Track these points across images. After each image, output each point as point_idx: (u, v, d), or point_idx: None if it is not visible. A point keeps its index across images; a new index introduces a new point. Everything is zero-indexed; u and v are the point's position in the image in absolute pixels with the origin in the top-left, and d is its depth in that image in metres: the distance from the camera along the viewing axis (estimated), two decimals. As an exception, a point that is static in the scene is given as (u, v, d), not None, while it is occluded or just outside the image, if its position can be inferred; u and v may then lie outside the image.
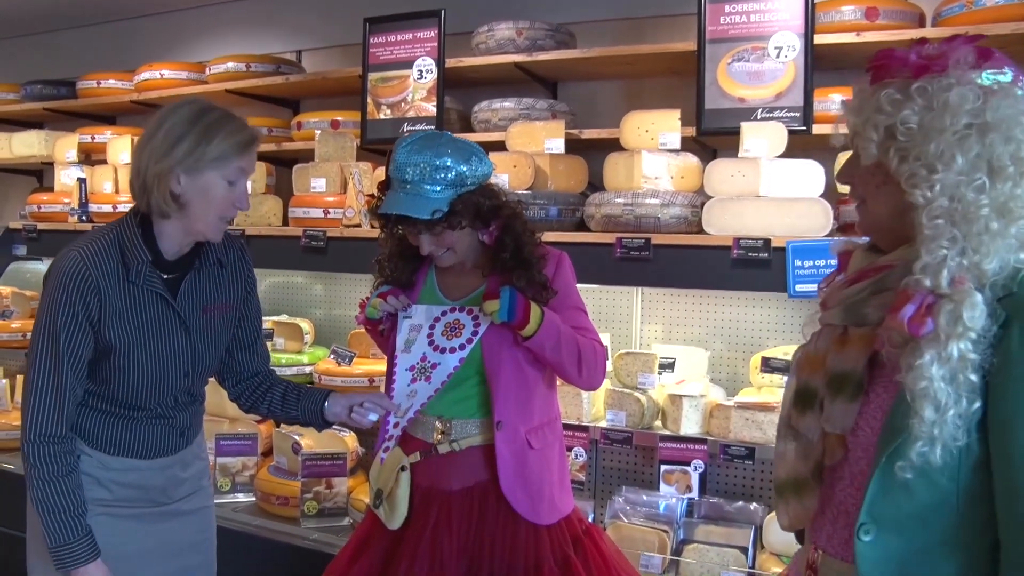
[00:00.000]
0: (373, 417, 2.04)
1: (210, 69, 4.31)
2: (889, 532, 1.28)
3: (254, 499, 3.42)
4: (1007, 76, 1.27)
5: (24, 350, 4.37)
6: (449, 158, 1.96)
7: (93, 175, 4.34)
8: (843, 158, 1.52)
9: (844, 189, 1.49)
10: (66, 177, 4.51)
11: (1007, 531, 1.22)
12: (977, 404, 1.20)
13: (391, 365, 2.10)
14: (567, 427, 2.94)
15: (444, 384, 2.00)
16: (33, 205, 4.58)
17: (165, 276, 1.94)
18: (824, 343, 1.41)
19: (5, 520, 3.76)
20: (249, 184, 3.74)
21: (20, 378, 4.27)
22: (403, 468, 2.08)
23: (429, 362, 2.02)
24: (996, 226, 1.20)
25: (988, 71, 1.26)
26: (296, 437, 3.39)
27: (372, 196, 3.42)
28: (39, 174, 5.39)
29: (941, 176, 1.22)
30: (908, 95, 1.26)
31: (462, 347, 1.99)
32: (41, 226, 4.34)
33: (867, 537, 1.28)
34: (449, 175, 1.96)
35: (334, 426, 3.55)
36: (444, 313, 2.06)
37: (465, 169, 1.97)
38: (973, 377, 1.19)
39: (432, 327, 2.05)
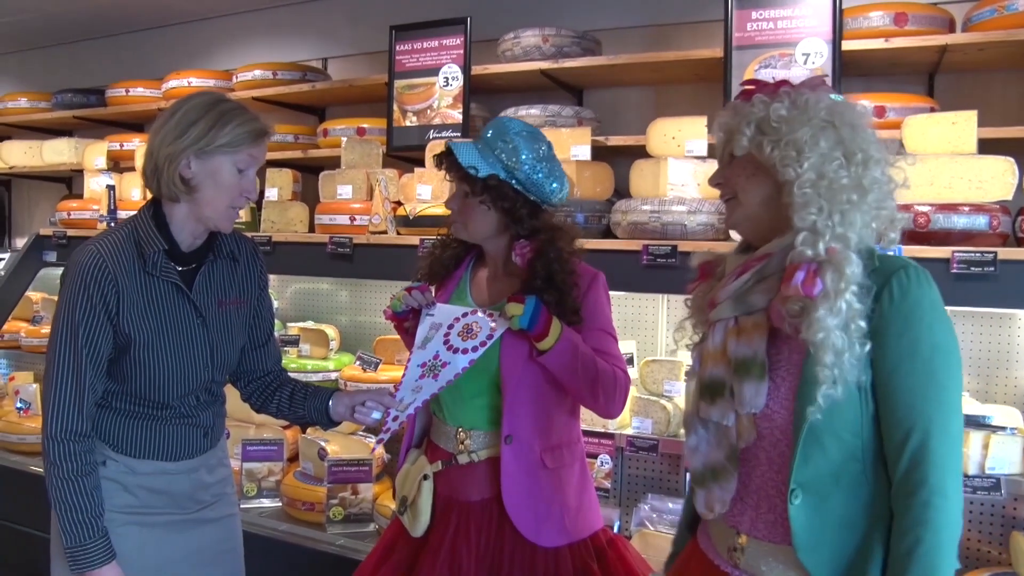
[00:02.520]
0: (376, 415, 2.03)
1: (237, 77, 4.35)
2: (812, 494, 1.43)
3: (280, 504, 3.43)
4: (842, 97, 1.55)
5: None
6: (527, 144, 1.98)
7: (122, 182, 4.39)
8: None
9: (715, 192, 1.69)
10: (95, 184, 4.57)
11: (894, 468, 1.39)
12: (868, 346, 1.38)
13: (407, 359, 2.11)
14: (593, 434, 2.94)
15: (449, 383, 1.96)
16: (63, 212, 4.64)
17: (180, 268, 1.96)
18: (720, 336, 1.55)
19: (38, 524, 3.80)
20: (275, 191, 3.84)
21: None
22: (425, 477, 2.08)
23: (440, 360, 1.99)
24: (855, 197, 1.42)
25: (831, 94, 1.53)
26: (322, 443, 3.40)
27: (398, 203, 3.47)
28: (69, 181, 5.47)
29: (808, 155, 1.44)
30: (776, 96, 1.51)
31: (475, 349, 1.96)
32: (71, 232, 4.39)
33: (797, 500, 1.43)
34: (509, 148, 1.96)
35: (360, 431, 3.60)
36: (465, 315, 2.03)
37: (527, 163, 1.96)
38: (862, 323, 1.38)
39: (451, 327, 2.03)
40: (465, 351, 1.97)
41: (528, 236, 2.03)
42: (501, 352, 1.99)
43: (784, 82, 1.54)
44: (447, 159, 2.04)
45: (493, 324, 1.97)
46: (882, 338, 1.39)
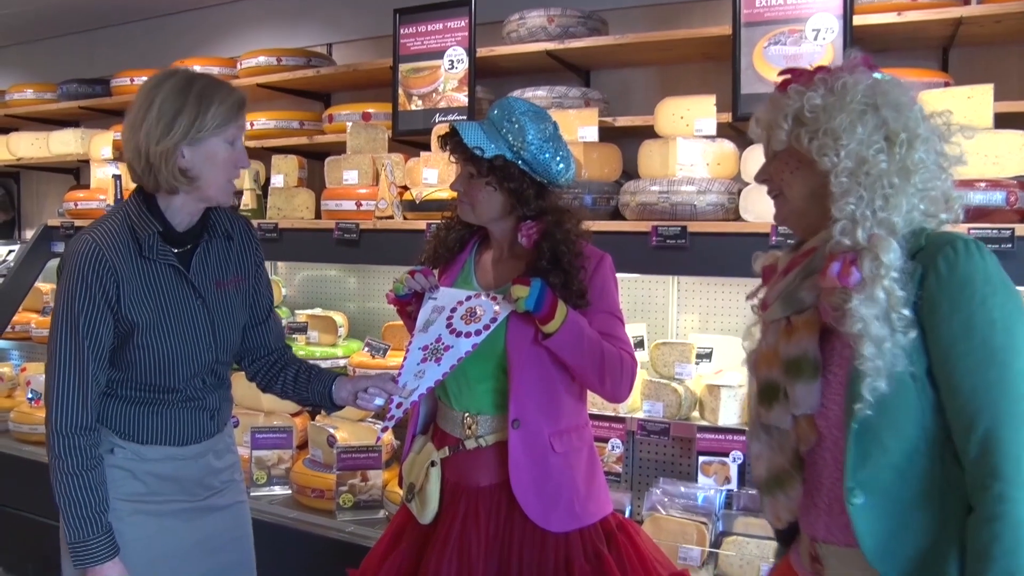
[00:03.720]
0: (379, 402, 2.01)
1: (241, 63, 4.32)
2: (875, 492, 1.36)
3: (290, 492, 3.43)
4: (889, 76, 1.48)
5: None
6: (533, 124, 1.95)
7: (127, 171, 4.38)
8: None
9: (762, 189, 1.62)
10: (102, 174, 4.56)
11: (966, 459, 1.30)
12: (913, 334, 1.32)
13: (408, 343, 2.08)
14: (603, 418, 2.91)
15: (453, 368, 1.94)
16: (70, 203, 4.64)
17: (176, 251, 1.94)
18: (773, 338, 1.51)
19: (50, 513, 3.81)
20: (281, 178, 3.82)
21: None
22: (433, 463, 2.06)
23: (443, 344, 1.97)
24: (897, 181, 1.36)
25: (874, 73, 1.47)
26: (331, 430, 3.39)
27: (404, 188, 3.44)
28: (76, 172, 5.47)
29: (845, 143, 1.38)
30: (811, 85, 1.46)
31: (477, 333, 1.93)
32: (78, 223, 4.38)
33: (858, 500, 1.36)
34: (515, 128, 1.94)
35: (369, 418, 3.59)
36: (468, 298, 2.01)
37: (534, 143, 1.94)
38: (906, 311, 1.32)
39: (454, 310, 2.00)
40: (468, 335, 1.94)
41: (534, 217, 2.00)
42: (507, 335, 1.97)
43: (821, 68, 1.48)
44: (452, 140, 2.01)
45: (497, 307, 1.95)
46: (933, 320, 1.32)
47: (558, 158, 1.99)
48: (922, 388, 1.33)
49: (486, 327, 1.94)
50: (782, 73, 1.53)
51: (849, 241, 1.36)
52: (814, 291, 1.43)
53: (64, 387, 1.83)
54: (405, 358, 2.03)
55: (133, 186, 1.96)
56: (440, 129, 3.33)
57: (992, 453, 1.26)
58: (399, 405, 1.97)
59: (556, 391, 2.01)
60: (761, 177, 1.57)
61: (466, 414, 2.05)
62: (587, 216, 2.08)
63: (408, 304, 2.13)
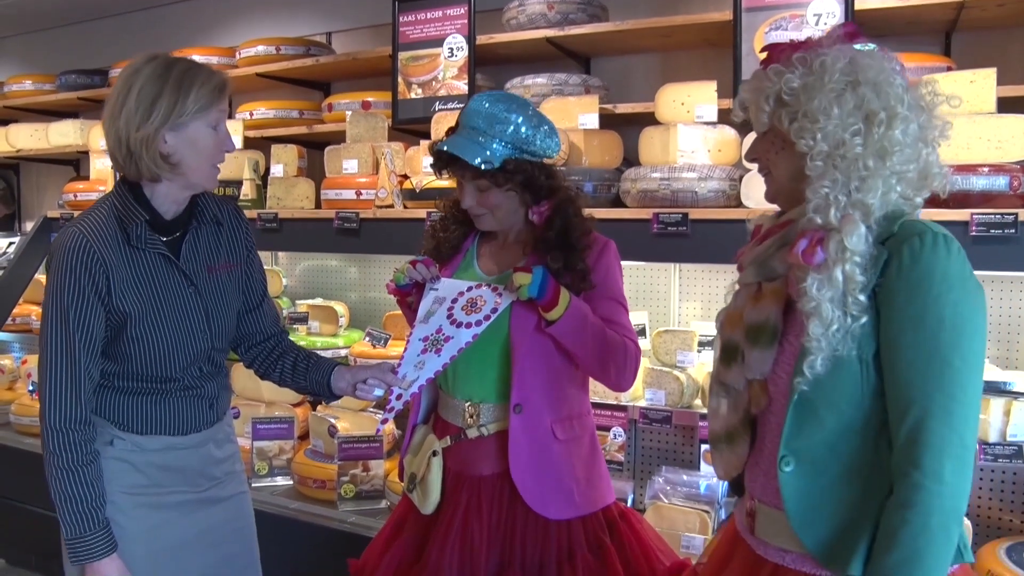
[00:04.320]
0: (378, 392, 2.00)
1: (240, 53, 4.30)
2: (806, 463, 1.40)
3: (291, 483, 3.42)
4: (872, 47, 1.45)
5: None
6: (518, 115, 1.93)
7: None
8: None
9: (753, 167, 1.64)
10: (101, 165, 4.54)
11: (895, 443, 1.33)
12: (864, 319, 1.33)
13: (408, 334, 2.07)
14: (605, 406, 2.90)
15: (453, 359, 1.93)
16: (70, 194, 4.63)
17: (165, 239, 1.92)
18: (741, 300, 1.55)
19: (49, 504, 3.81)
20: (281, 168, 3.80)
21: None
22: (435, 453, 2.04)
23: (443, 335, 1.96)
24: (872, 164, 1.36)
25: (856, 45, 1.45)
26: (332, 420, 3.39)
27: (404, 176, 3.43)
28: (75, 163, 5.45)
29: (822, 125, 1.38)
30: (790, 64, 1.44)
31: (478, 323, 1.92)
32: (78, 214, 4.36)
33: (788, 468, 1.41)
34: (509, 129, 1.92)
35: (371, 408, 3.58)
36: (469, 288, 2.00)
37: (529, 132, 1.93)
38: (861, 297, 1.33)
39: (455, 301, 1.99)
40: (469, 325, 1.93)
41: (547, 197, 2.00)
42: (511, 322, 1.95)
43: (801, 44, 1.47)
44: (449, 162, 1.99)
45: (498, 298, 1.94)
46: (888, 308, 1.34)
47: (550, 132, 1.98)
48: (867, 371, 1.36)
49: (487, 317, 1.93)
50: (764, 49, 1.53)
51: (821, 220, 1.37)
52: (785, 262, 1.45)
53: (56, 382, 1.81)
54: (405, 349, 2.02)
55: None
56: (441, 119, 3.32)
57: (917, 443, 1.29)
58: (399, 396, 1.96)
59: (559, 378, 2.00)
60: (751, 156, 1.59)
61: (468, 403, 2.03)
62: (588, 203, 2.06)
63: (408, 295, 2.11)
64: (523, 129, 1.93)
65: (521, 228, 2.05)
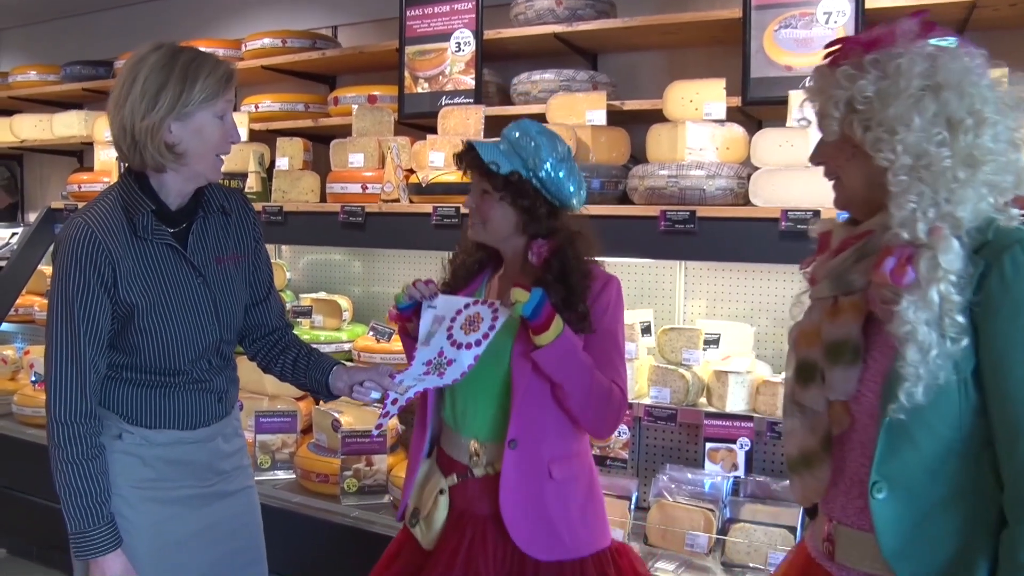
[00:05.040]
0: (375, 395, 1.99)
1: (246, 45, 4.29)
2: (900, 488, 1.31)
3: (294, 476, 3.42)
4: (951, 42, 1.34)
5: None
6: (545, 145, 1.93)
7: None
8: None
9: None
10: (105, 156, 4.53)
11: (1008, 470, 1.25)
12: (965, 342, 1.24)
13: (409, 357, 2.03)
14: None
15: (456, 382, 1.91)
16: (74, 185, 4.62)
17: (172, 230, 1.90)
18: (817, 316, 1.45)
19: (54, 496, 3.81)
20: (286, 161, 3.79)
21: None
22: (441, 491, 2.02)
23: (445, 358, 1.93)
24: (963, 175, 1.26)
25: (933, 39, 1.34)
26: (336, 414, 3.38)
27: (411, 171, 3.41)
28: (80, 154, 5.43)
29: (902, 137, 1.28)
30: (862, 68, 1.33)
31: (478, 343, 1.90)
32: (82, 205, 4.35)
33: (880, 495, 1.32)
34: (531, 146, 1.91)
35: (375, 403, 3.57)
36: (467, 306, 1.97)
37: (545, 163, 1.91)
38: (959, 318, 1.24)
39: (453, 320, 1.97)
40: (469, 345, 1.91)
41: (546, 236, 1.97)
42: (512, 354, 1.93)
43: (874, 42, 1.35)
44: (468, 156, 1.98)
45: (495, 314, 1.92)
46: (990, 323, 1.24)
47: (571, 179, 1.96)
48: (965, 389, 1.27)
49: (485, 336, 1.90)
50: (830, 45, 1.42)
51: (908, 235, 1.27)
52: (865, 276, 1.36)
53: (62, 375, 1.80)
54: (407, 370, 1.99)
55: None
56: (447, 113, 3.31)
57: None
58: (395, 402, 1.95)
59: (559, 414, 1.95)
60: (817, 160, 1.49)
61: (473, 441, 2.00)
62: (598, 243, 2.02)
63: (409, 319, 2.07)
64: (543, 155, 1.91)
65: (526, 262, 2.01)
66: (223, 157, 1.92)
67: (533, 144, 1.92)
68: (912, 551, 1.31)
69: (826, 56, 1.42)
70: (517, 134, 1.96)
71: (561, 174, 1.94)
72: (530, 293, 1.83)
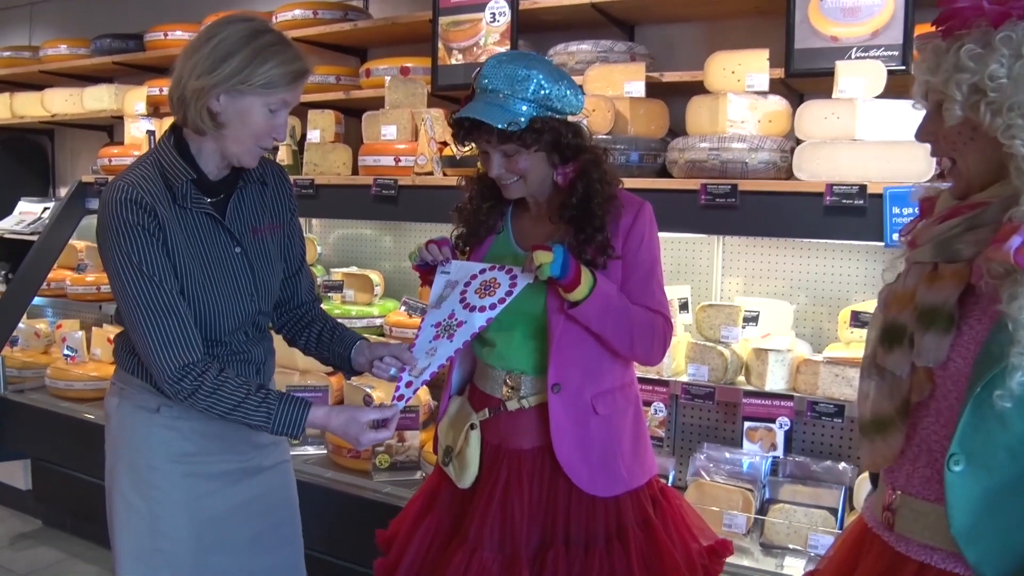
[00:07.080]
0: (393, 371, 1.94)
1: (277, 17, 4.23)
2: (978, 464, 1.26)
3: (326, 452, 3.40)
4: None
5: (100, 302, 4.46)
6: (537, 72, 1.82)
7: (161, 127, 4.34)
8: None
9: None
10: (136, 130, 4.53)
11: None
12: None
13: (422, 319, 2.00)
14: (646, 381, 2.85)
15: (466, 344, 1.87)
16: (104, 159, 4.61)
17: (210, 200, 1.87)
18: (913, 280, 1.39)
19: (87, 468, 3.83)
20: (318, 134, 3.75)
21: (96, 331, 4.34)
22: (472, 426, 1.99)
23: (456, 320, 1.89)
24: None
25: None
26: (368, 389, 3.35)
27: (444, 143, 3.36)
28: (110, 128, 5.43)
29: None
30: (991, 47, 1.22)
31: (492, 307, 1.85)
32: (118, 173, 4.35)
33: (957, 467, 1.27)
34: (530, 87, 1.81)
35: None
36: (483, 271, 1.93)
37: (551, 89, 1.83)
38: None
39: (468, 284, 1.92)
40: (483, 308, 1.86)
41: (572, 157, 1.91)
42: (547, 301, 1.88)
43: (1004, 14, 1.22)
44: (472, 130, 1.88)
45: (512, 280, 1.87)
46: None
47: (571, 86, 1.88)
48: None
49: (501, 300, 1.86)
50: (946, 12, 1.29)
51: None
52: (974, 247, 1.29)
53: (157, 338, 1.74)
54: (417, 335, 1.96)
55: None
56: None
57: None
58: (408, 384, 1.91)
59: (598, 352, 1.93)
60: (925, 137, 1.40)
61: (508, 374, 1.97)
62: (617, 168, 1.97)
63: (430, 274, 2.04)
64: (545, 84, 1.82)
65: (551, 195, 1.97)
66: (264, 149, 1.87)
67: (533, 83, 1.82)
68: (982, 531, 1.26)
69: (937, 26, 1.31)
70: (502, 81, 1.82)
71: (564, 90, 1.86)
72: (551, 252, 1.78)
